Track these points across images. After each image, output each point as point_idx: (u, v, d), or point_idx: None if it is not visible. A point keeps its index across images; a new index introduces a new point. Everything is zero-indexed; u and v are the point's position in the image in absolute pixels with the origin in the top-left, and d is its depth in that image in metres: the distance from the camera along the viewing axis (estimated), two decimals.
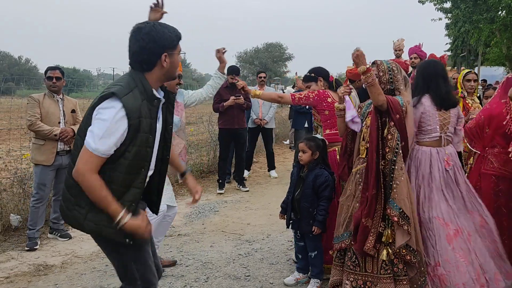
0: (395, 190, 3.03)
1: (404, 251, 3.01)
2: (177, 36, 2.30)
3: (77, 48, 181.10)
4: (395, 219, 2.98)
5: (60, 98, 4.76)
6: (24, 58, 76.32)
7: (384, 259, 3.03)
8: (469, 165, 4.27)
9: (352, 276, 3.14)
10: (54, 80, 4.68)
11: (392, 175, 3.05)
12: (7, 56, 73.66)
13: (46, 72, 4.79)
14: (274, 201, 6.31)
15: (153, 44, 2.20)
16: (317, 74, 4.09)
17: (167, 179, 3.69)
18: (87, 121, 2.17)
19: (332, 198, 3.65)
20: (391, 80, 3.19)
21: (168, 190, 3.81)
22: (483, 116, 4.00)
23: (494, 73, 22.17)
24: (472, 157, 4.18)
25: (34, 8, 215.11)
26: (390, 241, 3.02)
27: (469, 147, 4.22)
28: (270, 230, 5.17)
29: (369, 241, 3.06)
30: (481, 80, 18.07)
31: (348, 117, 3.36)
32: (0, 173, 5.89)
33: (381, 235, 3.06)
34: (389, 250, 3.04)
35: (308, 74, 4.13)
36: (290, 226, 3.77)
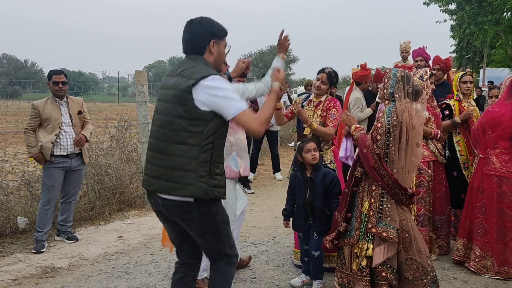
0: (387, 213, 3.07)
1: (380, 267, 3.07)
2: (224, 30, 2.66)
3: (82, 51, 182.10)
4: (384, 234, 3.02)
5: (64, 101, 4.77)
6: (30, 62, 76.90)
7: (363, 265, 3.10)
8: (473, 167, 4.27)
9: (339, 273, 3.29)
10: (60, 85, 4.68)
11: (382, 199, 3.11)
12: (13, 60, 74.16)
13: (50, 76, 4.72)
14: (279, 203, 6.31)
15: (203, 31, 2.57)
16: (336, 82, 4.11)
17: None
18: (180, 103, 2.46)
19: (341, 194, 3.65)
20: (392, 85, 3.21)
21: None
22: (485, 118, 3.99)
23: (499, 74, 22.07)
24: (475, 158, 4.18)
25: (39, 10, 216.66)
26: (370, 255, 3.08)
27: (474, 150, 4.22)
28: (275, 233, 5.17)
29: (331, 235, 3.27)
30: (488, 82, 17.99)
31: (341, 155, 3.62)
32: (7, 176, 5.91)
33: (341, 234, 3.23)
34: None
35: (333, 75, 4.04)
36: (301, 230, 3.72)
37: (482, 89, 15.42)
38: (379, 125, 3.12)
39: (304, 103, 4.20)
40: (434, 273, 3.17)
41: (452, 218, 4.58)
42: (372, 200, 3.12)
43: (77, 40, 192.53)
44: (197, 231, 2.56)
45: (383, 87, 3.28)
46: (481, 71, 27.14)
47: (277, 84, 2.80)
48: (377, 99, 5.61)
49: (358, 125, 3.42)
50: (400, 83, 3.18)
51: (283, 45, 3.23)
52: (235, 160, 3.68)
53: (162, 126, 2.52)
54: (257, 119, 2.50)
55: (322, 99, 4.07)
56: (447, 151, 4.59)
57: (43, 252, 4.56)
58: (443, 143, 4.47)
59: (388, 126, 3.06)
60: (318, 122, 3.99)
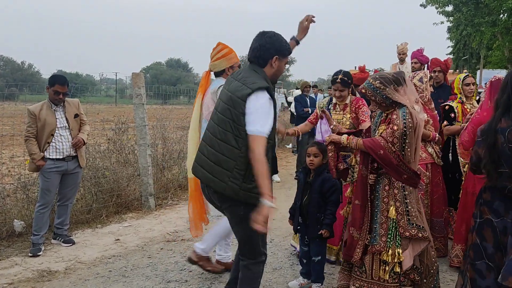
0: (413, 214, 3.06)
1: (408, 270, 3.06)
2: (289, 49, 2.87)
3: (79, 52, 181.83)
4: (420, 235, 3.03)
5: (61, 106, 4.74)
6: (27, 64, 76.71)
7: (397, 271, 3.05)
8: (465, 173, 4.25)
9: (358, 282, 3.18)
10: (60, 96, 4.64)
11: (406, 200, 3.08)
12: (10, 62, 73.94)
13: (53, 83, 4.61)
14: (277, 205, 6.28)
15: (270, 45, 2.76)
16: (351, 81, 4.17)
17: None
18: (234, 109, 2.66)
19: (340, 203, 3.67)
20: (384, 97, 3.10)
21: None
22: (474, 125, 3.94)
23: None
24: (467, 165, 4.15)
25: (37, 12, 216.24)
26: (401, 260, 3.03)
27: (461, 159, 4.20)
28: (273, 235, 5.16)
29: (357, 253, 3.15)
30: (485, 83, 18.00)
31: (318, 138, 3.63)
32: (3, 178, 5.89)
33: (367, 247, 3.13)
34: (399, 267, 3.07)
35: (346, 79, 4.10)
36: (297, 232, 3.77)
37: (479, 90, 15.43)
38: (395, 127, 3.02)
39: (330, 107, 4.29)
40: (437, 264, 3.23)
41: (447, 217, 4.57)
42: (398, 204, 3.07)
43: (75, 40, 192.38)
44: (237, 220, 2.80)
45: (377, 103, 3.18)
46: (478, 72, 27.19)
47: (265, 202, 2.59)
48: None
49: (347, 135, 3.32)
50: (387, 88, 3.08)
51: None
52: None
53: (218, 123, 2.76)
54: (259, 154, 2.56)
55: (347, 101, 4.19)
56: (450, 154, 4.57)
57: (39, 255, 4.54)
58: (440, 146, 4.46)
59: (405, 129, 3.01)
60: (349, 124, 4.09)
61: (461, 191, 4.21)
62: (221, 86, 3.63)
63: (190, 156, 3.81)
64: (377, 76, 3.15)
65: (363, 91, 3.20)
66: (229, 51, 3.83)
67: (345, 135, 3.32)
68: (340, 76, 4.09)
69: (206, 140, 2.85)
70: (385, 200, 3.12)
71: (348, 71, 4.18)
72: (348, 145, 3.25)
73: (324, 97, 13.47)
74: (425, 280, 3.10)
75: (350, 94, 4.18)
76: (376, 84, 3.10)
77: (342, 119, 4.13)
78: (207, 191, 2.88)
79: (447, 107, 4.62)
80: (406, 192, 3.07)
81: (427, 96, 4.29)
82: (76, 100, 5.03)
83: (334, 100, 4.27)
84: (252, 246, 2.83)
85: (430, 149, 4.27)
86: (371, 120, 3.80)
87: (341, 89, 4.10)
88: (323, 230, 3.54)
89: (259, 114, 2.62)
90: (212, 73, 3.94)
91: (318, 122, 3.64)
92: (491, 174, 2.69)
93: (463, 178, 4.32)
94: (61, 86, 4.62)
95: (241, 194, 2.65)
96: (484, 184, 2.82)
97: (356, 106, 4.14)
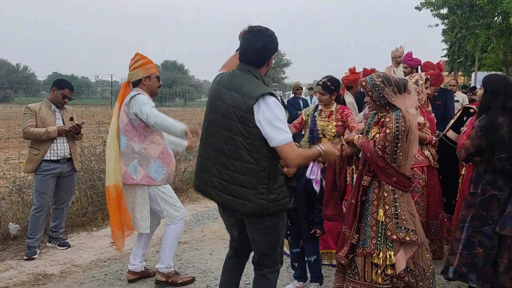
0: (403, 217, 3.06)
1: (402, 273, 3.06)
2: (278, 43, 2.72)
3: (75, 53, 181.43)
4: (407, 238, 3.03)
5: (59, 108, 4.77)
6: (22, 66, 76.43)
7: (389, 273, 3.06)
8: (461, 176, 4.26)
9: (351, 284, 3.18)
10: (66, 100, 4.78)
11: (395, 204, 3.08)
12: (5, 64, 73.62)
13: (63, 86, 4.72)
14: None
15: (272, 46, 2.62)
16: (335, 89, 4.20)
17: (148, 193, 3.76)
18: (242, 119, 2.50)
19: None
20: (380, 95, 3.12)
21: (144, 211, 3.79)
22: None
23: None
24: (464, 168, 4.15)
25: (34, 14, 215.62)
26: (393, 263, 3.04)
27: (463, 164, 4.20)
28: None
29: (343, 250, 3.19)
30: (480, 86, 18.06)
31: (309, 175, 3.54)
32: None
33: (354, 246, 3.14)
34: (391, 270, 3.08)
35: (329, 84, 4.15)
36: (287, 236, 3.74)
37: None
38: (387, 131, 3.02)
39: (315, 113, 4.32)
40: (433, 266, 3.24)
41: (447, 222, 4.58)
42: (387, 207, 3.08)
43: (70, 42, 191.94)
44: (262, 231, 2.66)
45: (372, 100, 3.19)
46: (473, 74, 27.35)
47: (328, 158, 2.86)
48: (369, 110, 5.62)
49: (359, 135, 3.34)
50: (385, 88, 3.09)
51: None
52: (135, 168, 3.68)
53: (223, 140, 2.55)
54: (298, 155, 2.55)
55: (333, 108, 4.24)
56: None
57: (34, 258, 4.52)
58: (436, 149, 4.46)
59: (397, 133, 3.01)
60: (334, 131, 4.13)
61: (458, 193, 4.21)
62: (132, 97, 3.65)
63: (110, 163, 3.71)
64: (381, 74, 3.20)
65: (363, 83, 3.23)
66: (147, 62, 3.81)
67: (357, 135, 3.32)
68: (323, 80, 4.17)
69: (211, 159, 2.63)
70: (374, 202, 3.13)
71: (337, 78, 4.23)
72: (356, 144, 3.27)
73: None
74: (421, 283, 3.10)
75: (334, 102, 4.24)
76: (377, 81, 3.14)
77: (328, 126, 4.17)
78: (228, 213, 2.76)
79: (471, 110, 4.42)
80: (397, 196, 3.08)
81: (424, 99, 4.30)
82: (71, 107, 5.11)
83: (320, 107, 4.32)
84: (273, 256, 2.77)
85: (426, 152, 4.27)
86: (364, 121, 3.84)
87: (321, 92, 4.19)
88: (316, 229, 3.58)
89: (277, 122, 2.48)
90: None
91: (311, 163, 3.64)
92: (490, 160, 3.31)
93: (460, 182, 4.33)
94: (70, 91, 4.78)
95: (270, 207, 2.56)
96: (481, 169, 3.41)
97: (343, 114, 4.20)
